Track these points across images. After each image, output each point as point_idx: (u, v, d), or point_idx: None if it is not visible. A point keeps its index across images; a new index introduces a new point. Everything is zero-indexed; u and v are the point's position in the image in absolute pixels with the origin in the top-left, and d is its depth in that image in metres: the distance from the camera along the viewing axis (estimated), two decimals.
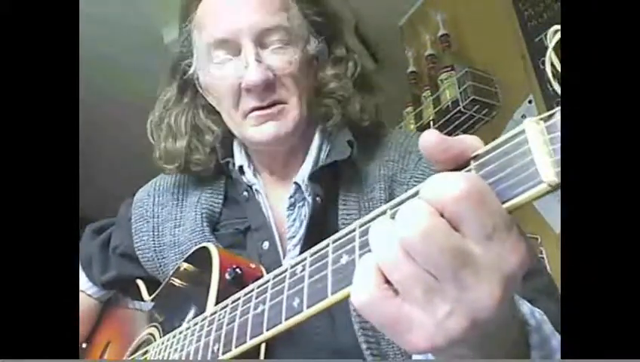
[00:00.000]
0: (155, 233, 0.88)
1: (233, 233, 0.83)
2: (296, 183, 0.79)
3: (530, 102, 1.80)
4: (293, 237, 0.78)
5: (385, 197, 0.77)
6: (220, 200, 0.86)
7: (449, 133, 0.39)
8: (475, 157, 0.38)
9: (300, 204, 0.79)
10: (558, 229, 1.64)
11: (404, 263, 0.35)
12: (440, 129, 1.98)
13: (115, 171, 2.90)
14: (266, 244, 0.79)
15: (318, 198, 0.77)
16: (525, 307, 0.51)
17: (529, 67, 1.83)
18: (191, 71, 0.85)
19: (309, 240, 0.74)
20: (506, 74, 1.92)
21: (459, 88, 1.92)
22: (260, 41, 0.77)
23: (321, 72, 0.84)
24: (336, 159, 0.79)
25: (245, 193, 0.84)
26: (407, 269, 0.35)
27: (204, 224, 0.83)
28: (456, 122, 1.96)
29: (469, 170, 0.38)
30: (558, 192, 0.34)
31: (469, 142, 0.38)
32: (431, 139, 0.38)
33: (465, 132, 1.96)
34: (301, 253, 0.54)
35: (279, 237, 0.80)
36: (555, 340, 0.48)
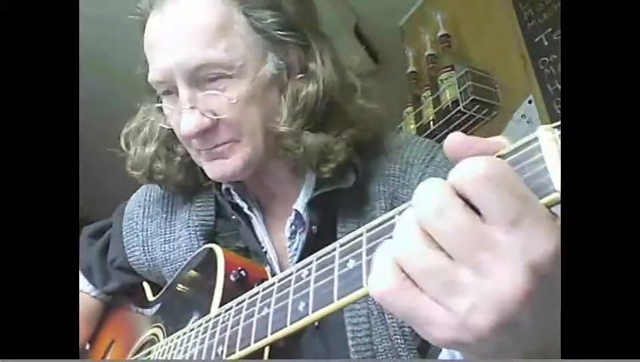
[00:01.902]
0: (145, 247, 0.86)
1: (235, 251, 0.79)
2: (295, 210, 0.76)
3: (530, 102, 1.80)
4: None
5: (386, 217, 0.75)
6: (212, 215, 0.83)
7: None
8: None
9: (300, 230, 0.77)
10: None
11: (420, 255, 0.34)
12: (440, 129, 1.99)
13: (115, 171, 2.89)
14: (267, 269, 0.77)
15: (314, 227, 0.74)
16: None
17: (529, 67, 1.83)
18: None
19: None
20: (506, 74, 1.92)
21: (459, 88, 1.92)
22: (195, 80, 0.68)
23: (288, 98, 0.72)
24: (339, 186, 0.74)
25: (233, 216, 0.80)
26: (422, 263, 0.34)
27: (201, 242, 0.80)
28: (457, 122, 1.96)
29: None
30: None
31: (494, 139, 0.38)
32: (457, 138, 0.37)
33: (465, 132, 1.94)
34: None
35: (279, 264, 0.79)
36: None
